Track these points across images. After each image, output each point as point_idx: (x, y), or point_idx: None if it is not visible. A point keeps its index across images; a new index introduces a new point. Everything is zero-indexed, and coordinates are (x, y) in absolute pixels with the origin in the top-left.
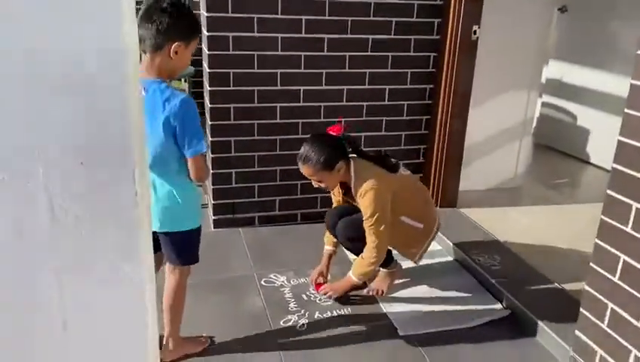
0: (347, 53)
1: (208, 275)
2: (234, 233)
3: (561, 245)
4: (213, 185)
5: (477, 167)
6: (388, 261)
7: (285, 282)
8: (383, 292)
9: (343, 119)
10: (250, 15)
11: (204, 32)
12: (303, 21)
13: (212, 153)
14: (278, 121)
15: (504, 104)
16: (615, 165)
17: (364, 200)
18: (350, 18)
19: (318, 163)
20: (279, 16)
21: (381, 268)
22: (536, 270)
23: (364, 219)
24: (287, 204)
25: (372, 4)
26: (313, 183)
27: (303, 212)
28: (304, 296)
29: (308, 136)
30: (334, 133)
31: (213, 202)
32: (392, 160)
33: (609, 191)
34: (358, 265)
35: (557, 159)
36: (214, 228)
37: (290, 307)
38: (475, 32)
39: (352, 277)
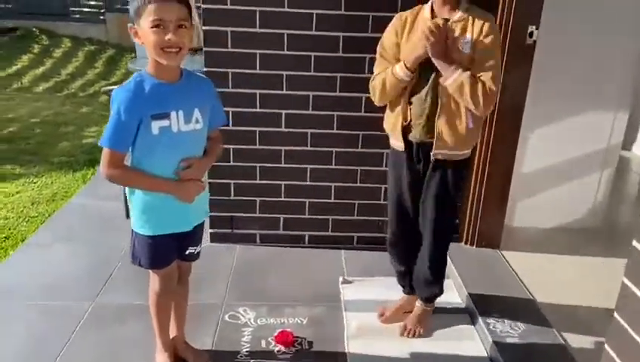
0: (367, 55)
1: None
2: (229, 249)
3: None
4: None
5: (539, 200)
6: (437, 293)
7: (251, 321)
8: (419, 333)
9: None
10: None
11: None
12: (314, 16)
13: None
14: (282, 129)
15: (576, 125)
16: None
17: (490, 42)
18: (371, 14)
19: None
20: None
21: (421, 302)
22: (567, 351)
23: (486, 65)
24: (292, 223)
25: None
26: None
27: (311, 234)
28: (263, 343)
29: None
30: None
31: (209, 214)
32: None
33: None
34: (471, 84)
35: None
36: (211, 241)
37: (239, 355)
38: (531, 35)
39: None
